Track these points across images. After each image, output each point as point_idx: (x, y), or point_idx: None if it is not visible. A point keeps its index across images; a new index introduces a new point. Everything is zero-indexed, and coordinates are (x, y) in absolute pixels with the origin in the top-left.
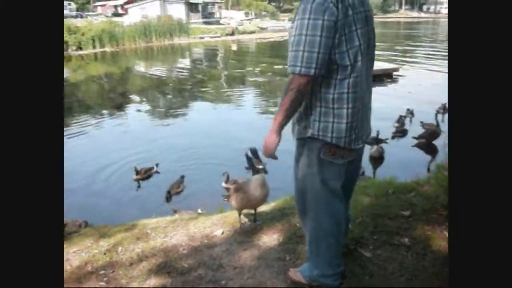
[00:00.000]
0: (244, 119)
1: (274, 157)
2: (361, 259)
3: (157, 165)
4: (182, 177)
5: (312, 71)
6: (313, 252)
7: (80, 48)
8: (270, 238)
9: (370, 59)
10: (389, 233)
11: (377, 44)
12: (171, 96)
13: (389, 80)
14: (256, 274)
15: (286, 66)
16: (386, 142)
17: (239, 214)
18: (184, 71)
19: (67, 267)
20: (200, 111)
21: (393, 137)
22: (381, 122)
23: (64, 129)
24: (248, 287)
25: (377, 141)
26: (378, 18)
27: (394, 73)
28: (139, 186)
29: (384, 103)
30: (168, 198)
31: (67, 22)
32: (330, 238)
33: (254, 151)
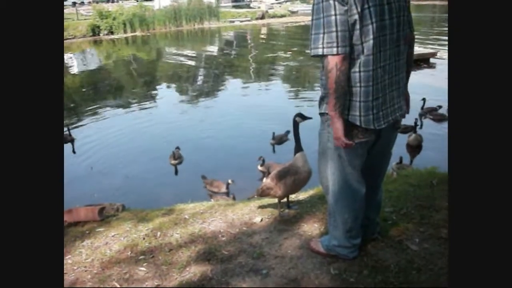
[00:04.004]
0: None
1: (348, 143)
2: (407, 252)
3: (177, 148)
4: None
5: (335, 50)
6: (331, 224)
7: (112, 33)
8: (311, 227)
9: (399, 37)
10: (436, 226)
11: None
12: (201, 81)
13: (425, 65)
14: (298, 264)
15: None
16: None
17: (279, 202)
18: (214, 55)
19: (106, 251)
20: (230, 94)
21: (420, 115)
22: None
23: (96, 112)
24: (291, 277)
25: (414, 129)
26: (413, 2)
27: (432, 58)
28: (176, 171)
29: (423, 88)
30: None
31: (98, 6)
32: (346, 213)
33: (300, 115)
